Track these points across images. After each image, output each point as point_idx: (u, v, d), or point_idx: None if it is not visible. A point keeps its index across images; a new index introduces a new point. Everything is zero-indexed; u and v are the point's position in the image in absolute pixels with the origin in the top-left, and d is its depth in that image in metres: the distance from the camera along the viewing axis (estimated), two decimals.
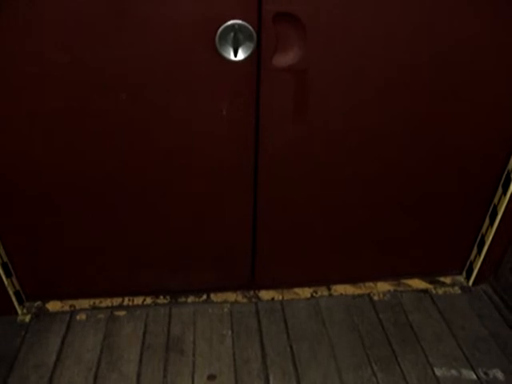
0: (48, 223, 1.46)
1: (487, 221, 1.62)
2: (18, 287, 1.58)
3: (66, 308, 1.63)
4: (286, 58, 1.19)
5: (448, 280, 1.78)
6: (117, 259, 1.57)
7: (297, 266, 1.67)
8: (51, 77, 1.17)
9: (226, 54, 1.15)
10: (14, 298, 1.56)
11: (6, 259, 1.50)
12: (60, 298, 1.65)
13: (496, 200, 1.56)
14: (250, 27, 1.12)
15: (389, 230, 1.62)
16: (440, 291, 1.73)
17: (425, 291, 1.73)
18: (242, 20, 1.11)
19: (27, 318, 1.59)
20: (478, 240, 1.68)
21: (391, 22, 1.18)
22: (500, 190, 1.54)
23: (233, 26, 1.11)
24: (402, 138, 1.40)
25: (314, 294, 1.70)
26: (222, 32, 1.12)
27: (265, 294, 1.69)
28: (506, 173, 1.50)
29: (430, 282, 1.76)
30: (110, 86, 1.20)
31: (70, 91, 1.20)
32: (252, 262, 1.63)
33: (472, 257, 1.73)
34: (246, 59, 1.16)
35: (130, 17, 1.10)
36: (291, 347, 1.51)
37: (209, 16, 1.11)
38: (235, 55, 1.15)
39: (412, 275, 1.76)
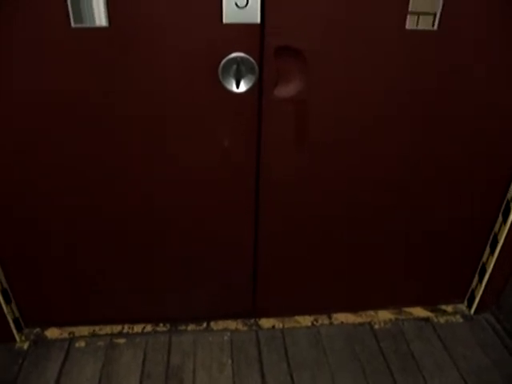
0: (48, 250, 1.46)
1: (488, 249, 1.62)
2: (17, 314, 1.57)
3: (65, 335, 1.61)
4: (287, 90, 1.22)
5: (450, 308, 1.77)
6: (117, 286, 1.56)
7: (297, 294, 1.66)
8: (52, 106, 1.19)
9: (228, 86, 1.17)
10: (12, 325, 1.55)
11: (5, 285, 1.49)
12: (59, 324, 1.64)
13: (496, 228, 1.57)
14: (252, 60, 1.14)
15: (390, 258, 1.62)
16: (442, 320, 1.72)
17: (426, 320, 1.72)
18: (245, 53, 1.14)
19: (25, 346, 1.57)
20: (479, 268, 1.68)
21: (391, 53, 1.20)
22: (500, 218, 1.54)
23: (235, 58, 1.14)
24: (402, 166, 1.41)
25: (315, 323, 1.69)
26: (224, 64, 1.14)
27: (265, 322, 1.68)
28: (505, 201, 1.51)
29: (432, 311, 1.75)
30: (114, 115, 1.22)
31: (73, 120, 1.22)
32: (253, 290, 1.62)
33: (473, 285, 1.72)
34: (247, 91, 1.18)
35: (134, 47, 1.13)
36: (291, 376, 1.49)
37: (212, 48, 1.14)
38: (237, 87, 1.17)
39: (413, 303, 1.75)
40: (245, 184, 1.38)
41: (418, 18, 1.18)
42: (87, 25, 1.08)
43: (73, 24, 1.07)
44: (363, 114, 1.29)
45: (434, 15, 1.17)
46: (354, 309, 1.72)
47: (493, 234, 1.59)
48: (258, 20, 1.11)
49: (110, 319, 1.64)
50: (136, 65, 1.15)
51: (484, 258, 1.65)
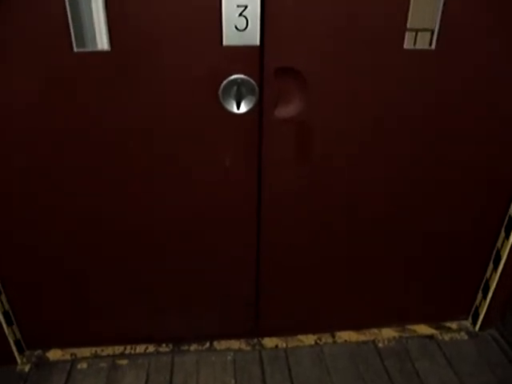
0: (49, 271, 1.45)
1: (491, 265, 1.61)
2: (18, 336, 1.56)
3: (67, 356, 1.60)
4: (287, 110, 1.22)
5: (454, 325, 1.75)
6: (118, 307, 1.56)
7: (300, 313, 1.65)
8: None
9: (229, 107, 1.18)
10: (14, 347, 1.54)
11: (7, 307, 1.49)
12: (61, 346, 1.63)
13: (499, 244, 1.56)
14: (252, 81, 1.15)
15: (393, 275, 1.61)
16: (446, 337, 1.70)
17: (430, 337, 1.70)
18: (245, 74, 1.15)
19: (27, 368, 1.56)
20: (483, 284, 1.67)
21: (389, 71, 1.21)
22: (503, 233, 1.54)
23: (236, 80, 1.15)
24: (402, 180, 1.41)
25: (318, 341, 1.67)
26: (225, 86, 1.16)
27: (268, 342, 1.67)
28: (507, 217, 1.51)
29: (436, 328, 1.74)
30: (117, 138, 1.23)
31: (77, 144, 1.23)
32: (255, 309, 1.61)
33: (477, 301, 1.71)
34: (248, 112, 1.19)
35: (136, 69, 1.14)
36: None
37: (213, 70, 1.15)
38: (238, 108, 1.18)
39: (417, 321, 1.74)
40: (246, 203, 1.38)
41: (416, 34, 1.19)
42: (89, 49, 1.09)
43: (75, 48, 1.08)
44: (363, 131, 1.30)
45: (432, 32, 1.18)
46: (357, 327, 1.71)
47: (496, 249, 1.58)
48: (258, 42, 1.12)
49: (112, 340, 1.63)
50: (137, 87, 1.16)
51: (487, 274, 1.64)
